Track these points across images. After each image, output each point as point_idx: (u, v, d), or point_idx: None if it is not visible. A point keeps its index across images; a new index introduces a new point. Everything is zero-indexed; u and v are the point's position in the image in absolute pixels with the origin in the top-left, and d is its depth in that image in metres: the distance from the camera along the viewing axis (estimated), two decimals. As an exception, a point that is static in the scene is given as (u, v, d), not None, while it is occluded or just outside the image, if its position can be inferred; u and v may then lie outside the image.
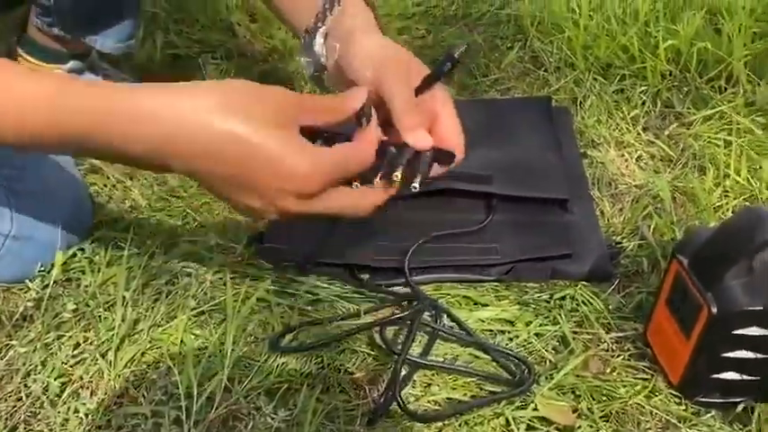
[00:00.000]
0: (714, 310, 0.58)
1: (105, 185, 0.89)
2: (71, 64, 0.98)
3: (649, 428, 0.61)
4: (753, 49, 1.05)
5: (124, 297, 0.72)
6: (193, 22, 1.22)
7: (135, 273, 0.75)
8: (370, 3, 0.67)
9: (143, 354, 0.68)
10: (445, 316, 0.71)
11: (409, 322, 0.69)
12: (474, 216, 0.81)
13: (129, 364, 0.67)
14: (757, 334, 0.58)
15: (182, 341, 0.69)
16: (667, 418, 0.62)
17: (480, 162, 0.86)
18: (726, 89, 1.02)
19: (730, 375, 0.61)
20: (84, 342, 0.69)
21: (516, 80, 1.08)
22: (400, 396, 0.62)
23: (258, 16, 1.24)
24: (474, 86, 1.07)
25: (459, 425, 0.62)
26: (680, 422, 0.62)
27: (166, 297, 0.73)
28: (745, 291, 0.58)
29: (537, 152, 0.89)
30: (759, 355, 0.60)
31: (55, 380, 0.65)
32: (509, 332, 0.70)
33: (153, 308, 0.72)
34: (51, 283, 0.73)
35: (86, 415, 0.62)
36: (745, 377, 0.61)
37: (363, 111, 0.56)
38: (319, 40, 0.66)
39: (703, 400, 0.63)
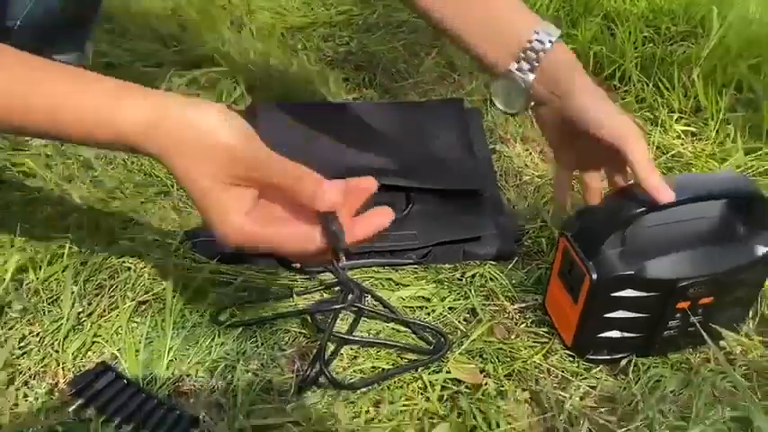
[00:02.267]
0: (594, 276, 0.67)
1: (43, 188, 0.92)
2: None
3: (546, 383, 0.70)
4: (642, 52, 1.17)
5: (72, 291, 0.76)
6: (124, 31, 1.25)
7: (77, 269, 0.79)
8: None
9: (89, 342, 0.73)
10: (369, 296, 0.79)
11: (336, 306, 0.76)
12: (395, 207, 0.88)
13: (75, 353, 0.71)
14: (632, 295, 0.68)
15: (125, 328, 0.74)
16: (562, 374, 0.71)
17: (401, 159, 0.94)
18: (618, 87, 1.14)
19: (613, 334, 0.70)
20: (29, 335, 0.73)
21: (433, 84, 1.17)
22: (326, 366, 0.68)
23: (188, 26, 1.28)
24: (395, 90, 1.15)
25: (382, 389, 0.69)
26: (573, 377, 0.71)
27: (108, 290, 0.78)
28: (620, 258, 0.67)
29: (451, 149, 0.97)
30: (635, 314, 0.69)
31: (1, 370, 0.69)
32: (426, 308, 0.78)
33: (95, 301, 0.77)
34: (-5, 281, 0.77)
35: (36, 399, 0.67)
36: (626, 335, 0.70)
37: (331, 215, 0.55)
38: (530, 75, 0.69)
39: (593, 357, 0.72)
